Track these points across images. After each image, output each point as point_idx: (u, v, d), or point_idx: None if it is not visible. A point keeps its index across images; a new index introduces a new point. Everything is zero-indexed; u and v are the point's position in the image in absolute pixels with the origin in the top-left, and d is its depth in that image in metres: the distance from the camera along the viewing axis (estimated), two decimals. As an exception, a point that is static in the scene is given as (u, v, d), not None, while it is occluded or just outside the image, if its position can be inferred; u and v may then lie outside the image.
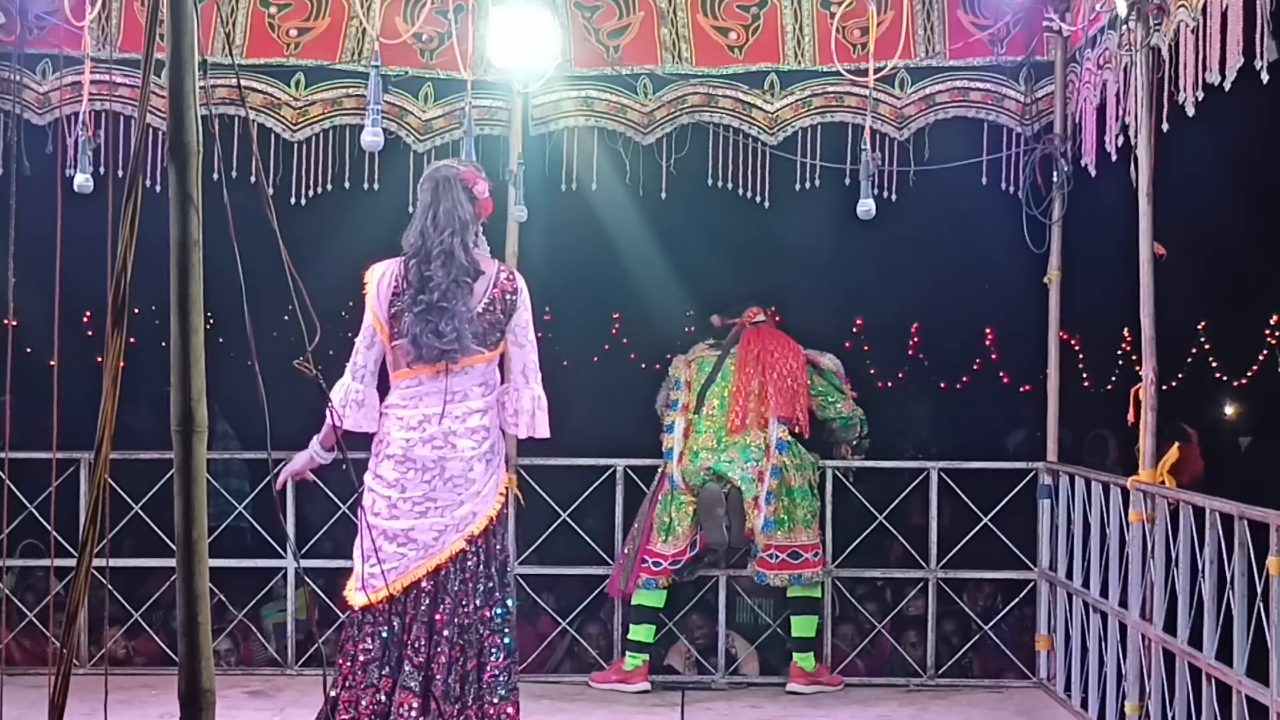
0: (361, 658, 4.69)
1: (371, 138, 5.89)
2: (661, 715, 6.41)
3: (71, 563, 2.86)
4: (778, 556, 6.71)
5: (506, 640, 4.77)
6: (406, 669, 4.66)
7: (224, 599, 6.97)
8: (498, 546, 4.82)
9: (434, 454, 4.74)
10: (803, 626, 6.81)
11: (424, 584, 4.71)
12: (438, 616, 4.70)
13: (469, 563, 4.74)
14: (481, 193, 4.92)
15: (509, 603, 4.86)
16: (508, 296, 4.84)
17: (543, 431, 4.91)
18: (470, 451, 4.76)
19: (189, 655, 2.57)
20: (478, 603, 4.74)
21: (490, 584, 4.77)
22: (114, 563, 6.60)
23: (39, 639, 6.98)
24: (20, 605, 6.97)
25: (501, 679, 4.72)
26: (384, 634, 4.69)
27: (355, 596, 4.74)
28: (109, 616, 6.97)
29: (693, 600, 7.12)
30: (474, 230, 4.87)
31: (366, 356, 4.81)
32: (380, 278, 4.83)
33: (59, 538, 5.79)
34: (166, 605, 6.93)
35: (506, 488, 4.94)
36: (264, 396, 3.16)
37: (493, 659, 4.73)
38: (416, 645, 4.67)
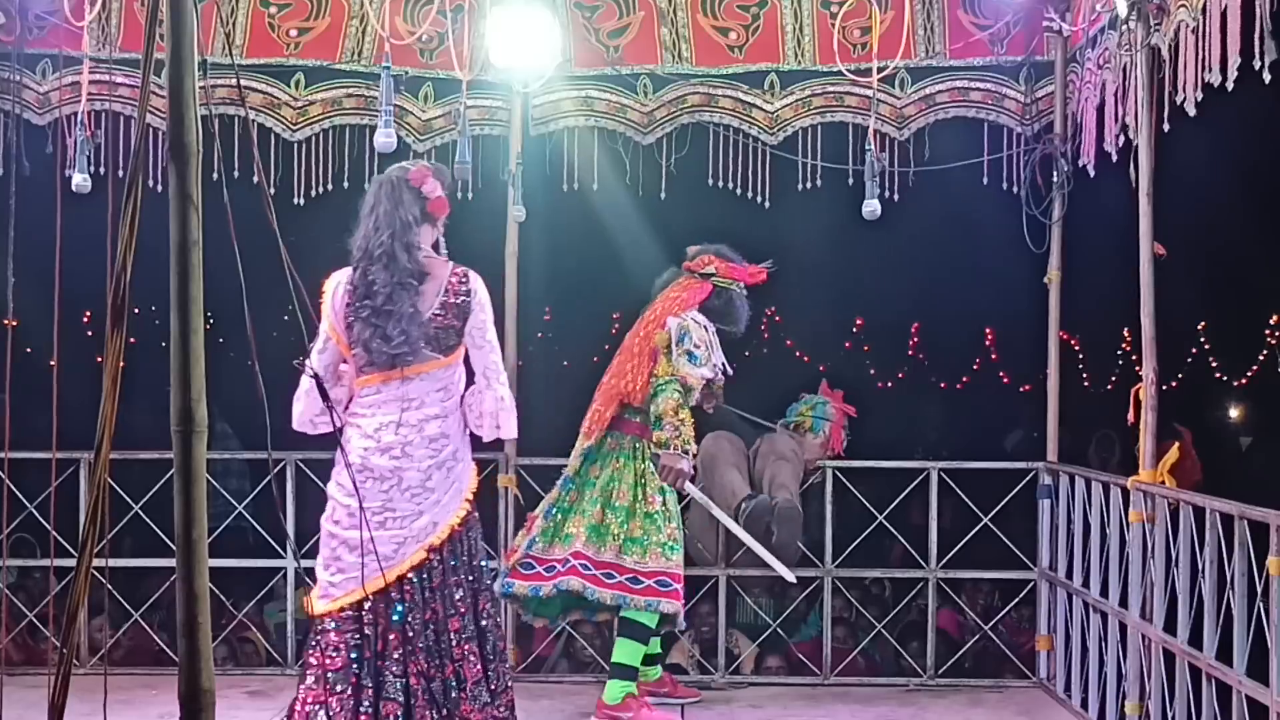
0: (327, 668, 4.57)
1: (384, 139, 5.85)
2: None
3: (71, 563, 2.86)
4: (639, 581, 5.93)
5: (487, 646, 4.72)
6: (388, 679, 4.58)
7: (223, 599, 6.97)
8: (465, 554, 4.74)
9: (390, 464, 4.64)
10: (624, 652, 5.97)
11: (392, 593, 4.60)
12: (408, 627, 4.61)
13: (434, 572, 4.66)
14: (431, 191, 4.80)
15: (489, 608, 4.79)
16: (460, 299, 4.73)
17: (508, 433, 4.82)
18: (428, 461, 4.66)
19: (189, 655, 2.57)
20: (449, 611, 4.66)
21: (460, 592, 4.69)
22: (114, 563, 6.60)
23: (39, 638, 6.98)
24: (20, 605, 6.97)
25: (484, 684, 4.67)
26: (354, 641, 4.58)
27: (318, 604, 4.64)
28: (108, 616, 6.97)
29: (694, 599, 7.10)
30: (422, 231, 4.77)
31: (318, 360, 4.64)
32: (336, 287, 4.75)
33: (59, 538, 5.79)
34: (167, 605, 6.93)
35: (474, 493, 4.82)
36: (264, 396, 3.16)
37: (472, 666, 4.67)
38: (392, 656, 4.59)
